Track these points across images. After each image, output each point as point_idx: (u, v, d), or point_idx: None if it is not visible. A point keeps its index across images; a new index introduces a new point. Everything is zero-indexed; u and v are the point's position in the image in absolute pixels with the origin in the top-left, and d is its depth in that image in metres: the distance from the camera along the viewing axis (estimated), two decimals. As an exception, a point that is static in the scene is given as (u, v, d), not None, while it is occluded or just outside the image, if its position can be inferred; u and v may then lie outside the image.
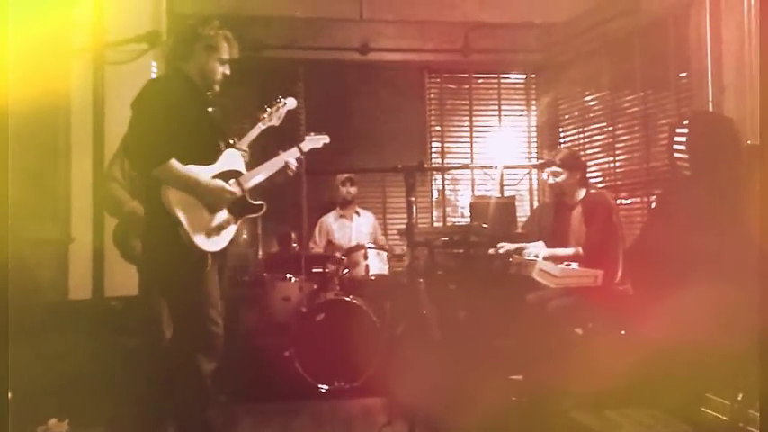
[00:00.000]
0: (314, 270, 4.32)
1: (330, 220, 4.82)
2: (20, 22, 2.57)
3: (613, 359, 3.15)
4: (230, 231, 2.53)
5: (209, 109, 2.64)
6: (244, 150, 2.88)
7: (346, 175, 4.69)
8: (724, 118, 3.56)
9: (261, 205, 2.67)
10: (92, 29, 3.73)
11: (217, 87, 2.61)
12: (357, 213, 4.83)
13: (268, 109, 3.05)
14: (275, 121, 3.04)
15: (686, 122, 3.47)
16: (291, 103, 3.08)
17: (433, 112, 5.69)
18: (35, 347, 2.83)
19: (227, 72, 2.60)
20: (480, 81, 5.77)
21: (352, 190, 4.75)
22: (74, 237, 3.76)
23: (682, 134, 3.44)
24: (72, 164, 3.77)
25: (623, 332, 3.32)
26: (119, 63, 3.81)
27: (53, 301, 3.51)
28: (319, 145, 3.04)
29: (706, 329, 2.74)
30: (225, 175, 2.55)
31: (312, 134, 3.05)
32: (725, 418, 2.54)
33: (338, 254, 4.37)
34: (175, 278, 2.42)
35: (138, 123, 2.37)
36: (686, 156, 3.39)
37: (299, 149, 2.90)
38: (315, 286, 4.22)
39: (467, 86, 5.73)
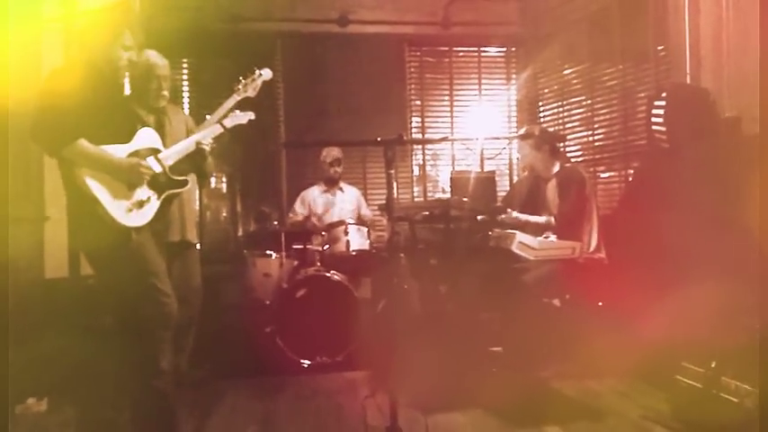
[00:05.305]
0: (294, 246, 4.30)
1: (315, 193, 4.76)
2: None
3: (591, 330, 3.21)
4: (153, 207, 2.55)
5: (122, 93, 2.71)
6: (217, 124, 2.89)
7: (335, 157, 4.64)
8: (701, 90, 3.57)
9: (184, 181, 2.69)
10: (61, -1, 3.62)
11: (124, 73, 2.65)
12: (341, 189, 4.79)
13: (243, 80, 3.03)
14: (250, 92, 3.03)
15: (664, 95, 3.49)
16: (267, 74, 3.05)
17: (413, 85, 5.65)
18: (12, 327, 2.79)
19: (134, 58, 2.62)
20: (461, 54, 5.74)
21: (340, 170, 4.72)
22: (48, 215, 3.69)
23: (659, 107, 3.46)
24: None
25: (600, 303, 3.37)
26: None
27: (29, 280, 3.45)
28: (244, 121, 3.06)
29: (681, 299, 2.79)
30: (141, 153, 2.56)
31: (237, 111, 3.05)
32: (699, 385, 2.60)
33: (318, 228, 4.35)
34: (100, 255, 2.48)
35: (43, 107, 2.42)
36: (664, 128, 3.42)
37: (222, 126, 2.93)
38: (295, 262, 4.21)
39: (447, 60, 5.70)
